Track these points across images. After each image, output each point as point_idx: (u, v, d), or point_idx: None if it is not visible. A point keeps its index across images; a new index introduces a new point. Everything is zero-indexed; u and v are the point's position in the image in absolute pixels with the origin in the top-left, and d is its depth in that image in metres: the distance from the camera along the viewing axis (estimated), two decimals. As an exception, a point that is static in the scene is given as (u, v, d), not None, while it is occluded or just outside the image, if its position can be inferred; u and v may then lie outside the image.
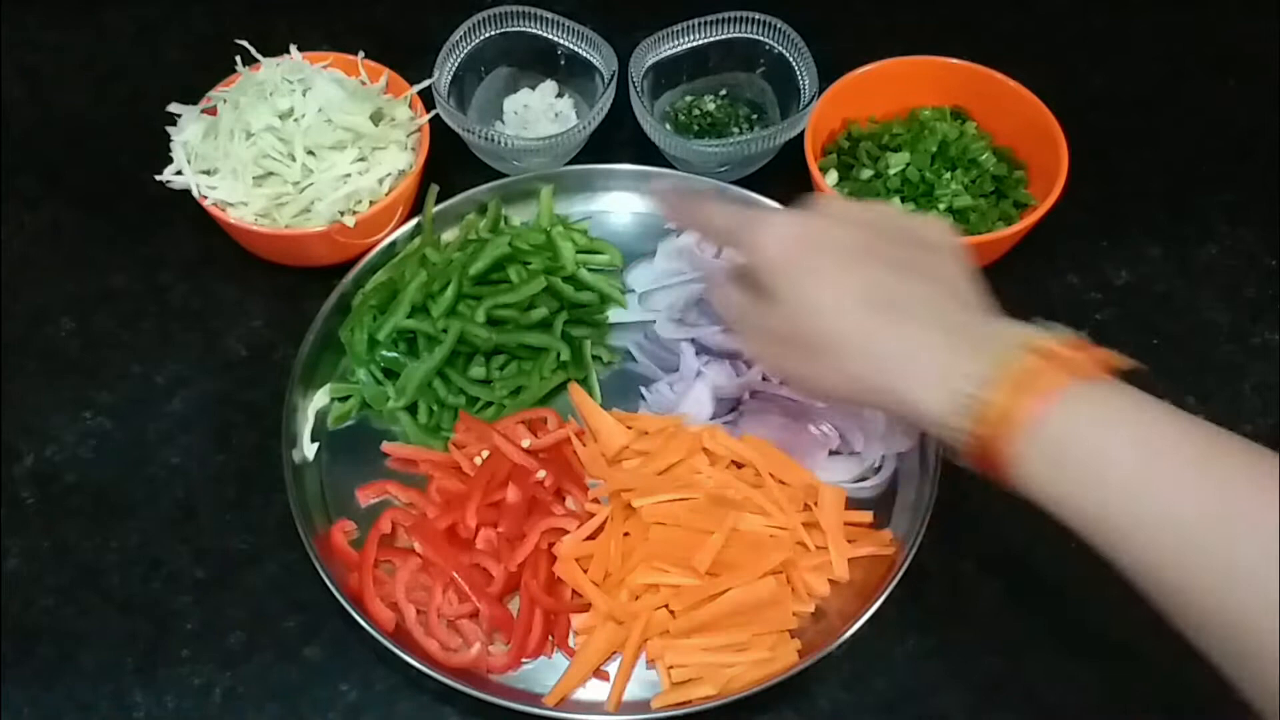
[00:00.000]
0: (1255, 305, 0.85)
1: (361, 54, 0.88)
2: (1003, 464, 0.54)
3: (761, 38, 0.91)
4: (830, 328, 0.58)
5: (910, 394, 0.56)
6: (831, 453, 0.77)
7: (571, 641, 0.71)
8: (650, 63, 0.91)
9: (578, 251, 0.84)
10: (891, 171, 0.84)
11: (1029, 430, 0.52)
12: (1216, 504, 0.49)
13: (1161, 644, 0.71)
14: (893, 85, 0.88)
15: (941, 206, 0.83)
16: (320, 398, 0.79)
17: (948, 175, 0.85)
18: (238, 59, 0.86)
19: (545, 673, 0.70)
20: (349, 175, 0.82)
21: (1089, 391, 0.53)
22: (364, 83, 0.87)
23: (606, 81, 0.89)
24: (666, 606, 0.70)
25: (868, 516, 0.74)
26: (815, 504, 0.73)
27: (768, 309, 0.60)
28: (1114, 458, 0.51)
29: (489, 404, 0.79)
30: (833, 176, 0.86)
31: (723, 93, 0.94)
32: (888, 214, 0.63)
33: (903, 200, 0.84)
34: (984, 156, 0.85)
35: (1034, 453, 0.53)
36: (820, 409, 0.77)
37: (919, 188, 0.84)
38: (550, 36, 0.92)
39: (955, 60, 0.88)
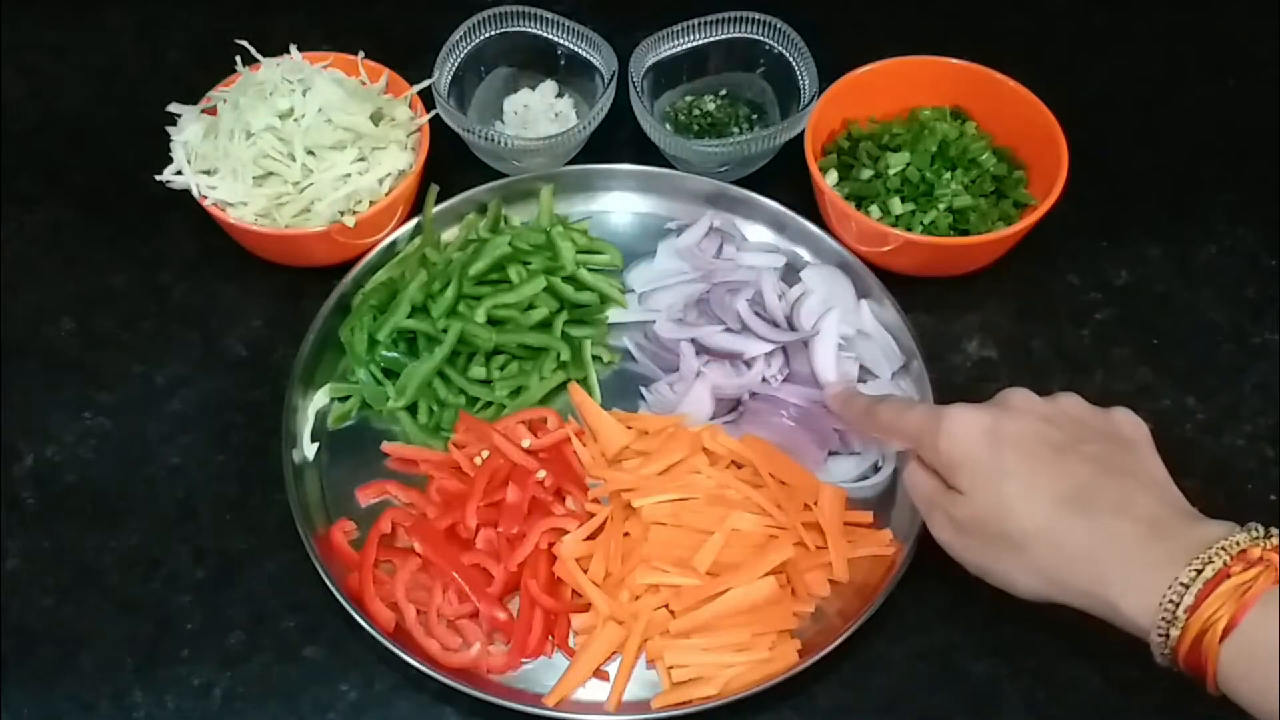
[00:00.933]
0: (1255, 305, 0.85)
1: (361, 54, 0.88)
2: (1206, 669, 0.53)
3: (761, 38, 0.91)
4: (1021, 526, 0.57)
5: (1109, 595, 0.55)
6: (831, 453, 0.77)
7: (571, 641, 0.71)
8: (650, 63, 0.91)
9: (578, 251, 0.84)
10: (891, 171, 0.84)
11: (1235, 633, 0.52)
12: None
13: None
14: (893, 85, 0.88)
15: (941, 206, 0.83)
16: (320, 398, 0.79)
17: (948, 175, 0.84)
18: (238, 59, 0.86)
19: (545, 673, 0.70)
20: (349, 175, 0.82)
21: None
22: (364, 83, 0.87)
23: (606, 81, 0.89)
24: (666, 606, 0.70)
25: (868, 516, 0.74)
26: (815, 504, 0.73)
27: (956, 501, 0.60)
28: None
29: (489, 404, 0.79)
30: (833, 176, 0.86)
31: (723, 93, 0.94)
32: (1075, 406, 0.62)
33: (902, 200, 0.84)
34: (984, 156, 0.85)
35: (1235, 658, 0.52)
36: (821, 410, 0.77)
37: (919, 188, 0.84)
38: (550, 36, 0.92)
39: (955, 60, 0.88)
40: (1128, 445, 0.60)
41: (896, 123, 0.88)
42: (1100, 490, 0.57)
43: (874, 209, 0.84)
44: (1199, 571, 0.53)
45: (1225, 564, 0.53)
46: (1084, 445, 0.59)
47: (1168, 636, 0.54)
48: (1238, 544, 0.53)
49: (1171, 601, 0.53)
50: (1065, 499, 0.57)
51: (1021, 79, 0.86)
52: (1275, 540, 0.54)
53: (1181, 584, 0.53)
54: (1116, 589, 0.55)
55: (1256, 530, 0.55)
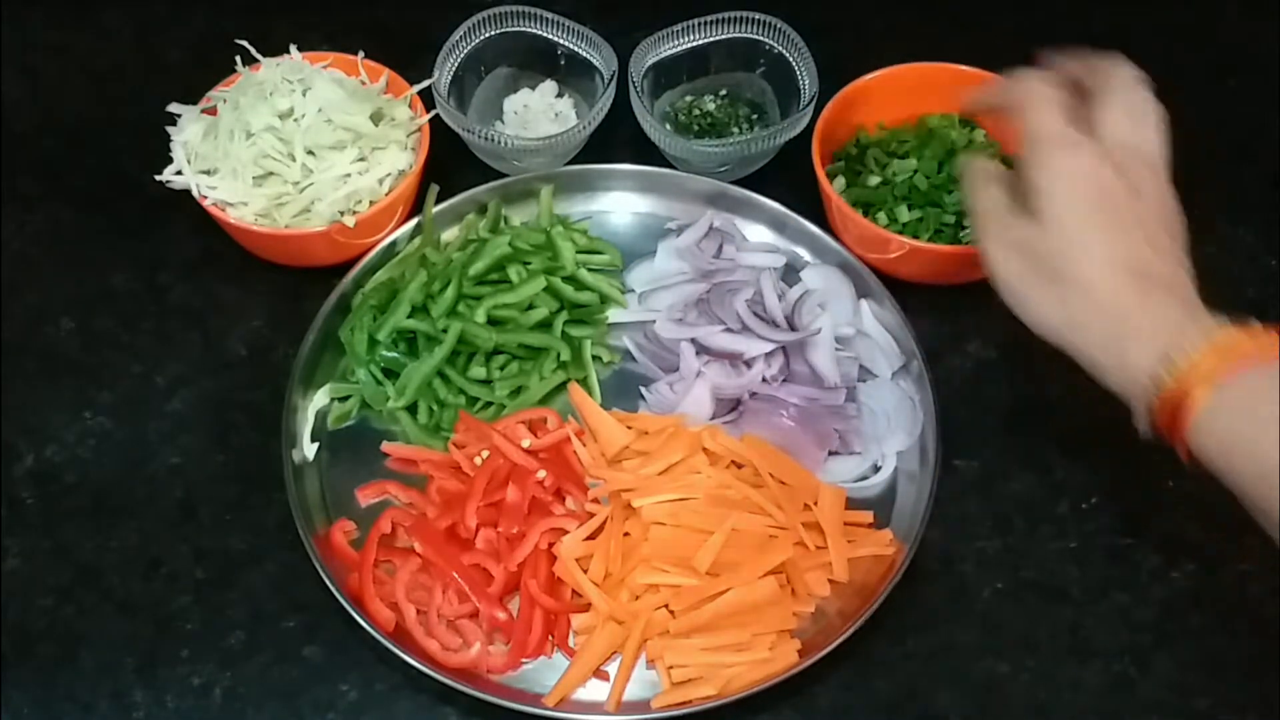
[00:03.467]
0: (1255, 305, 0.85)
1: (361, 54, 0.88)
2: (1184, 415, 0.57)
3: (762, 38, 0.91)
4: (1090, 274, 0.60)
5: (1125, 351, 0.59)
6: (831, 453, 0.77)
7: (571, 641, 0.71)
8: (650, 63, 0.91)
9: (578, 251, 0.84)
10: (899, 178, 0.84)
11: (1223, 386, 0.56)
12: None
13: (1161, 644, 0.72)
14: (901, 92, 0.88)
15: (949, 214, 0.83)
16: (320, 398, 0.79)
17: (956, 183, 0.84)
18: (238, 59, 0.86)
19: (545, 673, 0.70)
20: (349, 175, 0.82)
21: (1273, 371, 0.56)
22: (364, 83, 0.87)
23: (606, 81, 0.89)
24: (666, 606, 0.70)
25: (868, 516, 0.74)
26: (815, 504, 0.73)
27: (1029, 224, 0.62)
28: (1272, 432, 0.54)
29: (489, 404, 0.79)
30: (840, 182, 0.86)
31: (723, 93, 0.94)
32: (1159, 175, 0.65)
33: (910, 208, 0.84)
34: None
35: (1219, 404, 0.56)
36: (821, 410, 0.77)
37: (927, 195, 0.84)
38: (550, 36, 0.92)
39: (964, 67, 0.87)
40: (1167, 199, 0.64)
41: (905, 129, 0.88)
42: (1160, 265, 0.61)
43: (881, 216, 0.84)
44: (1210, 336, 0.57)
45: (1234, 335, 0.57)
46: (1154, 209, 0.62)
47: (1163, 386, 0.58)
48: (1245, 324, 0.58)
49: (1178, 352, 0.57)
50: (1129, 266, 0.60)
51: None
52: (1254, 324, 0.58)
53: (1194, 342, 0.57)
54: (1136, 347, 0.59)
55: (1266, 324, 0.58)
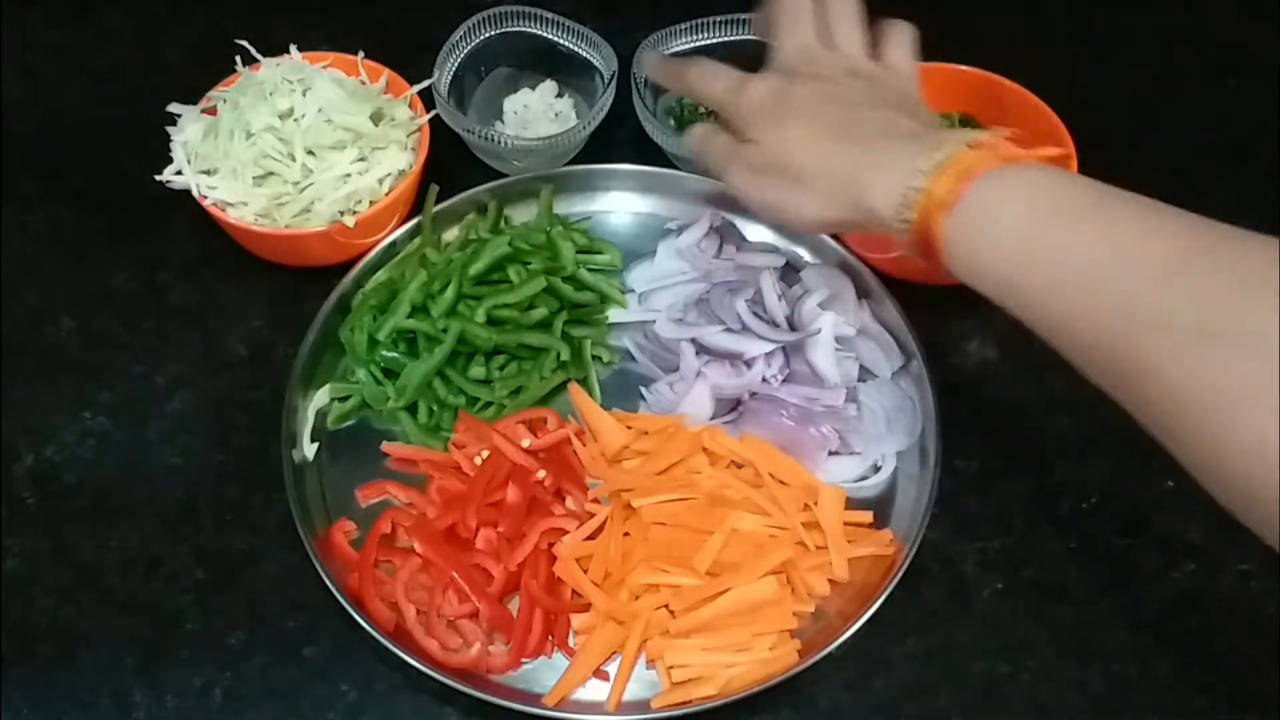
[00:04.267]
0: (1255, 305, 0.85)
1: (361, 54, 0.88)
2: (937, 249, 0.58)
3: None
4: (803, 158, 0.64)
5: (868, 199, 0.61)
6: (831, 453, 0.77)
7: (571, 641, 0.71)
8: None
9: (578, 251, 0.84)
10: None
11: (955, 209, 0.57)
12: (1107, 249, 0.52)
13: (1161, 644, 0.72)
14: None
15: None
16: (320, 398, 0.79)
17: None
18: (238, 59, 0.86)
19: (545, 673, 0.70)
20: (349, 175, 0.82)
21: (1008, 170, 0.57)
22: (364, 83, 0.87)
23: (606, 81, 0.89)
24: (666, 606, 0.70)
25: (868, 516, 0.74)
26: (815, 504, 0.73)
27: (751, 149, 0.67)
28: (1014, 221, 0.55)
29: (489, 404, 0.79)
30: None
31: (728, 92, 0.94)
32: (856, 59, 0.69)
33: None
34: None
35: (956, 230, 0.57)
36: (821, 410, 0.77)
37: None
38: (550, 36, 0.92)
39: (964, 67, 0.88)
40: (897, 83, 0.68)
41: (904, 128, 0.88)
42: (866, 121, 0.64)
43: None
44: (934, 160, 0.58)
45: (956, 151, 0.58)
46: (854, 87, 0.66)
47: (907, 222, 0.59)
48: (977, 136, 0.59)
49: (910, 186, 0.58)
50: (837, 131, 0.63)
51: (1020, 78, 0.86)
52: (1005, 132, 0.60)
53: (919, 170, 0.58)
54: (871, 189, 0.61)
55: (1000, 131, 0.60)
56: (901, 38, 0.70)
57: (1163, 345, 0.50)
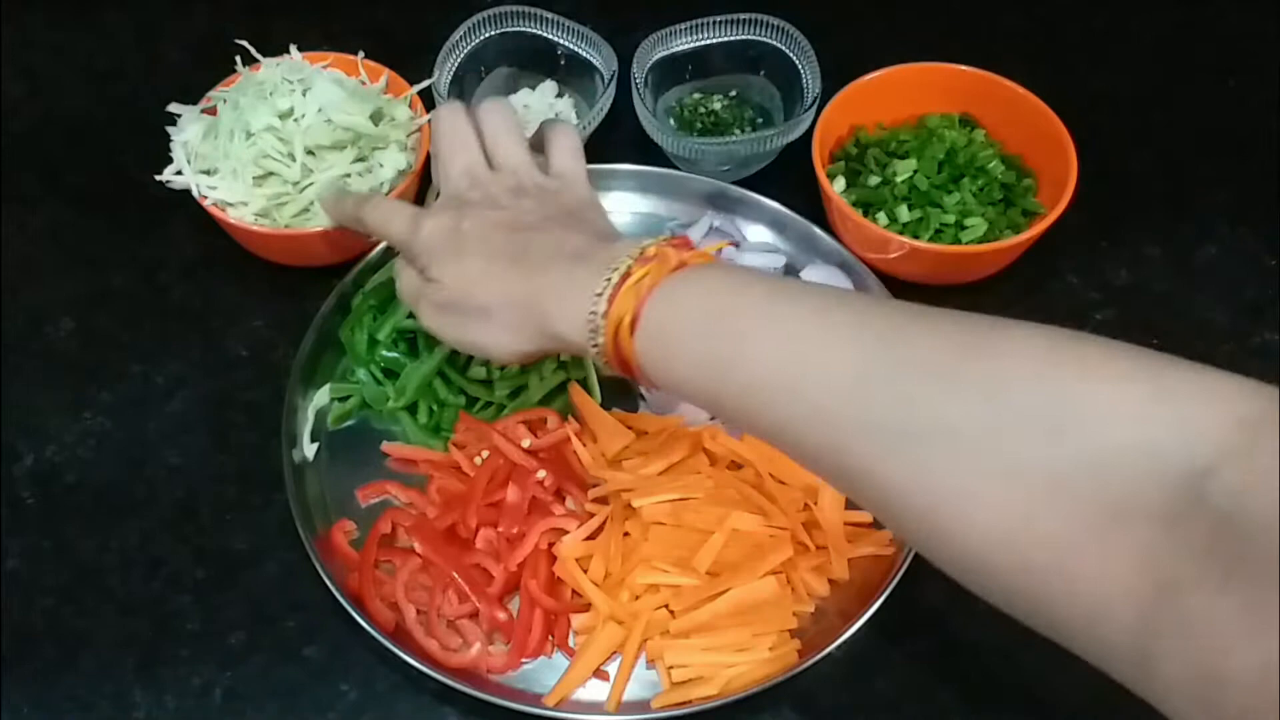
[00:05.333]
0: (1255, 305, 0.85)
1: (361, 54, 0.88)
2: (634, 368, 0.58)
3: (768, 39, 0.91)
4: (483, 293, 0.63)
5: (556, 327, 0.60)
6: (831, 453, 0.77)
7: (571, 641, 0.71)
8: (654, 60, 0.91)
9: (578, 251, 0.84)
10: (899, 179, 0.84)
11: (639, 330, 0.56)
12: (793, 360, 0.52)
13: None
14: (901, 91, 0.88)
15: (949, 214, 0.83)
16: (320, 398, 0.79)
17: (955, 183, 0.84)
18: (238, 59, 0.86)
19: (545, 673, 0.70)
20: (349, 175, 0.82)
21: (679, 278, 0.57)
22: (364, 83, 0.87)
23: (606, 81, 0.89)
24: (666, 606, 0.70)
25: (868, 516, 0.74)
26: (815, 504, 0.73)
27: (434, 288, 0.66)
28: (696, 332, 0.55)
29: (489, 404, 0.79)
30: (840, 183, 0.86)
31: (732, 93, 0.94)
32: (527, 178, 0.68)
33: (910, 208, 0.83)
34: (992, 164, 0.85)
35: (645, 348, 0.57)
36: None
37: (927, 195, 0.84)
38: (550, 36, 0.92)
39: (964, 67, 0.88)
40: (568, 192, 0.68)
41: (905, 129, 0.88)
42: (537, 243, 0.63)
43: (881, 216, 0.84)
44: (609, 280, 0.58)
45: (629, 267, 0.58)
46: (526, 211, 0.65)
47: (599, 346, 0.58)
48: (640, 249, 0.59)
49: (593, 312, 0.58)
50: (511, 260, 0.63)
51: (1020, 78, 0.86)
52: (666, 236, 0.60)
53: (596, 294, 0.58)
54: (555, 317, 0.60)
55: (665, 236, 0.61)
56: (564, 142, 0.70)
57: (870, 450, 0.49)
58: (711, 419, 0.78)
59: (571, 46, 0.92)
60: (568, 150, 0.70)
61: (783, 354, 0.52)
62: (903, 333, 0.50)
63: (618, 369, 0.59)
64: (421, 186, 0.85)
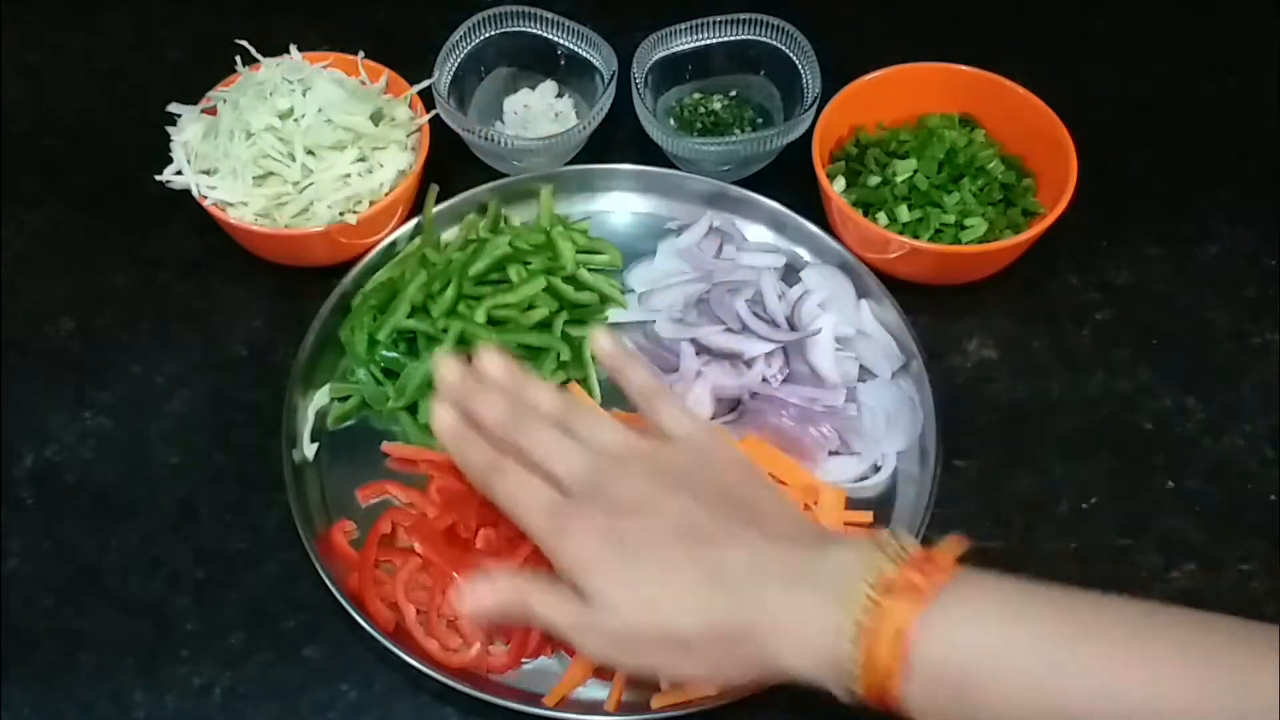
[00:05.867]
0: (1255, 305, 0.85)
1: (361, 54, 0.88)
2: (901, 710, 0.53)
3: (768, 39, 0.91)
4: (678, 623, 0.55)
5: (780, 662, 0.54)
6: (831, 453, 0.77)
7: (571, 641, 0.71)
8: (654, 60, 0.91)
9: (578, 251, 0.84)
10: (899, 179, 0.84)
11: (905, 675, 0.51)
12: (1149, 687, 0.48)
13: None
14: (901, 91, 0.88)
15: (949, 214, 0.83)
16: (320, 398, 0.79)
17: (955, 183, 0.84)
18: (238, 59, 0.86)
19: (545, 673, 0.70)
20: (349, 175, 0.82)
21: (940, 616, 0.52)
22: (364, 83, 0.87)
23: (606, 81, 0.89)
24: (667, 607, 0.70)
25: (868, 516, 0.74)
26: (815, 504, 0.73)
27: (601, 616, 0.56)
28: (986, 672, 0.51)
29: (489, 404, 0.79)
30: (840, 183, 0.86)
31: (733, 93, 0.94)
32: (679, 462, 0.59)
33: (910, 208, 0.83)
34: (992, 164, 0.85)
35: (919, 691, 0.52)
36: (821, 410, 0.77)
37: (927, 195, 0.84)
38: (550, 36, 0.92)
39: (964, 67, 0.87)
40: (728, 480, 0.59)
41: (905, 129, 0.88)
42: (731, 560, 0.55)
43: (881, 216, 0.84)
44: (856, 621, 0.52)
45: (871, 598, 0.52)
46: (698, 517, 0.57)
47: (848, 689, 0.53)
48: (876, 572, 0.53)
49: (840, 656, 0.52)
50: (703, 583, 0.55)
51: (1020, 78, 0.86)
52: (906, 551, 0.54)
53: (840, 633, 0.52)
54: (782, 654, 0.54)
55: (889, 544, 0.54)
56: (664, 402, 0.61)
57: None
58: (712, 418, 0.78)
59: (571, 46, 0.92)
60: (676, 412, 0.61)
61: (1074, 690, 0.49)
62: (1207, 642, 0.49)
63: (867, 703, 0.54)
64: (422, 186, 0.85)
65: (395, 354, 0.79)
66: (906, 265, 0.82)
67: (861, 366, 0.80)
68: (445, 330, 0.78)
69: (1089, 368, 0.82)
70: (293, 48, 0.87)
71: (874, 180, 0.85)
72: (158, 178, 0.82)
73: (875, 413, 0.78)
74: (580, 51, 0.92)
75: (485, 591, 0.60)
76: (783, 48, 0.91)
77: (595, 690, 0.69)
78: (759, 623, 0.54)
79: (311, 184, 0.81)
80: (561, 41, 0.92)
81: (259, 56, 0.86)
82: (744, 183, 0.88)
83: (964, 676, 0.51)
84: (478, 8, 0.92)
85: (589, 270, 0.84)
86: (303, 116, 0.82)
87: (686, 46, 0.92)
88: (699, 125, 0.92)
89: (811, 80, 0.88)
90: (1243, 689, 0.47)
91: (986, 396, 0.81)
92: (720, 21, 0.91)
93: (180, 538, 0.75)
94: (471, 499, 0.73)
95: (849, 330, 0.80)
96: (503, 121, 0.93)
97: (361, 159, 0.83)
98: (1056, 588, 0.54)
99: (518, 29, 0.92)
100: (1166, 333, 0.84)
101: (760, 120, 0.93)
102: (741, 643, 0.55)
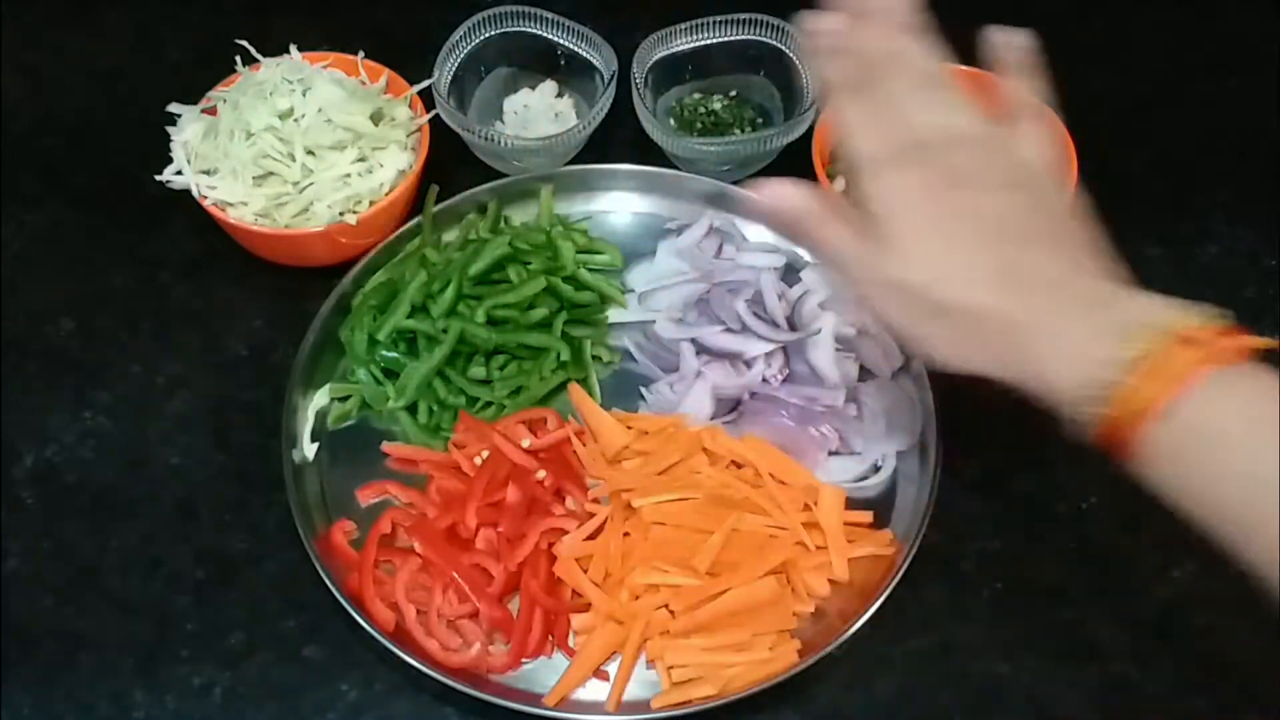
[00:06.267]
0: (1255, 305, 0.85)
1: (361, 54, 0.88)
2: (1129, 449, 0.53)
3: (768, 39, 0.91)
4: (957, 293, 0.55)
5: (1044, 372, 0.54)
6: (831, 453, 0.77)
7: (571, 641, 0.71)
8: (654, 60, 0.91)
9: (578, 251, 0.84)
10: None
11: (1159, 418, 0.51)
12: None
13: (1160, 645, 0.72)
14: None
15: None
16: (320, 398, 0.79)
17: None
18: (238, 59, 0.86)
19: (545, 673, 0.70)
20: (349, 175, 0.82)
21: (1223, 379, 0.51)
22: (364, 83, 0.87)
23: (606, 81, 0.89)
24: (666, 606, 0.70)
25: (868, 516, 0.74)
26: (815, 504, 0.73)
27: (885, 257, 0.56)
28: (1240, 444, 0.51)
29: (489, 404, 0.79)
30: (840, 182, 0.86)
31: (733, 93, 0.94)
32: (1014, 156, 0.59)
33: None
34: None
35: (1160, 440, 0.52)
36: (821, 410, 0.77)
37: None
38: (550, 36, 0.92)
39: (965, 67, 0.87)
40: (1056, 207, 0.59)
41: (904, 129, 0.88)
42: (1032, 262, 0.55)
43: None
44: (1134, 349, 0.52)
45: (1162, 346, 0.52)
46: (1019, 216, 0.57)
47: (1097, 413, 0.53)
48: (1178, 326, 0.53)
49: (1103, 379, 0.52)
50: (1000, 271, 0.55)
51: (1021, 79, 0.86)
52: (1218, 323, 0.53)
53: (1115, 359, 0.52)
54: (1045, 359, 0.54)
55: (1199, 309, 0.54)
56: (1033, 126, 0.61)
57: None
58: (712, 418, 0.78)
59: (571, 46, 0.92)
60: (1038, 138, 0.61)
61: None
62: None
63: (1100, 441, 0.54)
64: (422, 186, 0.85)
65: (395, 354, 0.79)
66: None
67: (861, 366, 0.80)
68: (445, 330, 0.78)
69: (1089, 368, 0.82)
70: (293, 48, 0.87)
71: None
72: (158, 178, 0.82)
73: (875, 413, 0.78)
74: (580, 51, 0.92)
75: (788, 193, 0.59)
76: (783, 48, 0.91)
77: (595, 690, 0.69)
78: (1038, 326, 0.54)
79: (311, 184, 0.81)
80: (561, 41, 0.92)
81: (259, 56, 0.86)
82: (744, 183, 0.88)
83: (1222, 436, 0.51)
84: (478, 8, 0.92)
85: (589, 270, 0.84)
86: (303, 116, 0.82)
87: (686, 46, 0.92)
88: (699, 125, 0.92)
89: (811, 80, 0.88)
90: None
91: (986, 396, 0.81)
92: (720, 21, 0.91)
93: (180, 538, 0.75)
94: (471, 499, 0.73)
95: (849, 330, 0.80)
96: (503, 121, 0.93)
97: (361, 159, 0.83)
98: None
99: (518, 29, 0.92)
100: (1166, 333, 0.83)
101: (760, 120, 0.93)
102: (1007, 336, 0.55)
